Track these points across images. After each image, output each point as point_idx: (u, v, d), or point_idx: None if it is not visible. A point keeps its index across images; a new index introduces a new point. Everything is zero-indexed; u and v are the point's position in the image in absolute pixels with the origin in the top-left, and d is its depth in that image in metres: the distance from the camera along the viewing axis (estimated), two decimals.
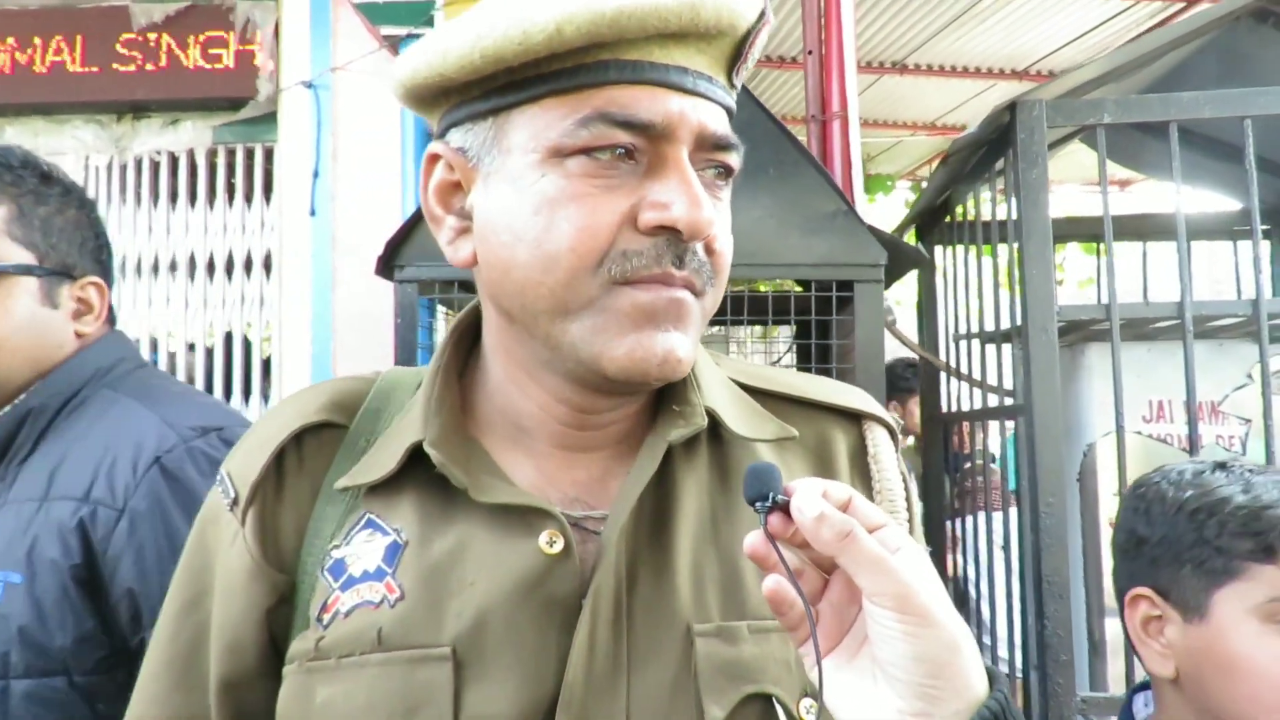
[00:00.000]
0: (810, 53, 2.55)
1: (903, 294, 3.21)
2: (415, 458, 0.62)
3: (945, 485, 2.44)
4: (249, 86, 3.22)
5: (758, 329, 3.14)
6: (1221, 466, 0.94)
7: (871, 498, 0.70)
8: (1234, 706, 0.83)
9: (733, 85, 0.62)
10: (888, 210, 6.92)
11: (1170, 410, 1.90)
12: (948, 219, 2.24)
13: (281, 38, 3.21)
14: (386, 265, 1.66)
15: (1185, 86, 2.05)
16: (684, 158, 0.58)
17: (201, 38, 3.21)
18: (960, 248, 2.16)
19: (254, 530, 0.64)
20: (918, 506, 0.75)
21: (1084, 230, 2.57)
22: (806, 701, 0.61)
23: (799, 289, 1.85)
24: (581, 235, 0.56)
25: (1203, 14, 1.78)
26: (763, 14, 0.60)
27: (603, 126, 0.56)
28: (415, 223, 1.66)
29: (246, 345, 3.37)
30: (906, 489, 0.72)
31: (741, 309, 1.75)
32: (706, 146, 0.59)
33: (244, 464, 0.66)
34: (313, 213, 3.20)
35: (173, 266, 3.38)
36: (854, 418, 0.72)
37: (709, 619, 0.60)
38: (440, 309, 1.94)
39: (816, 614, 0.51)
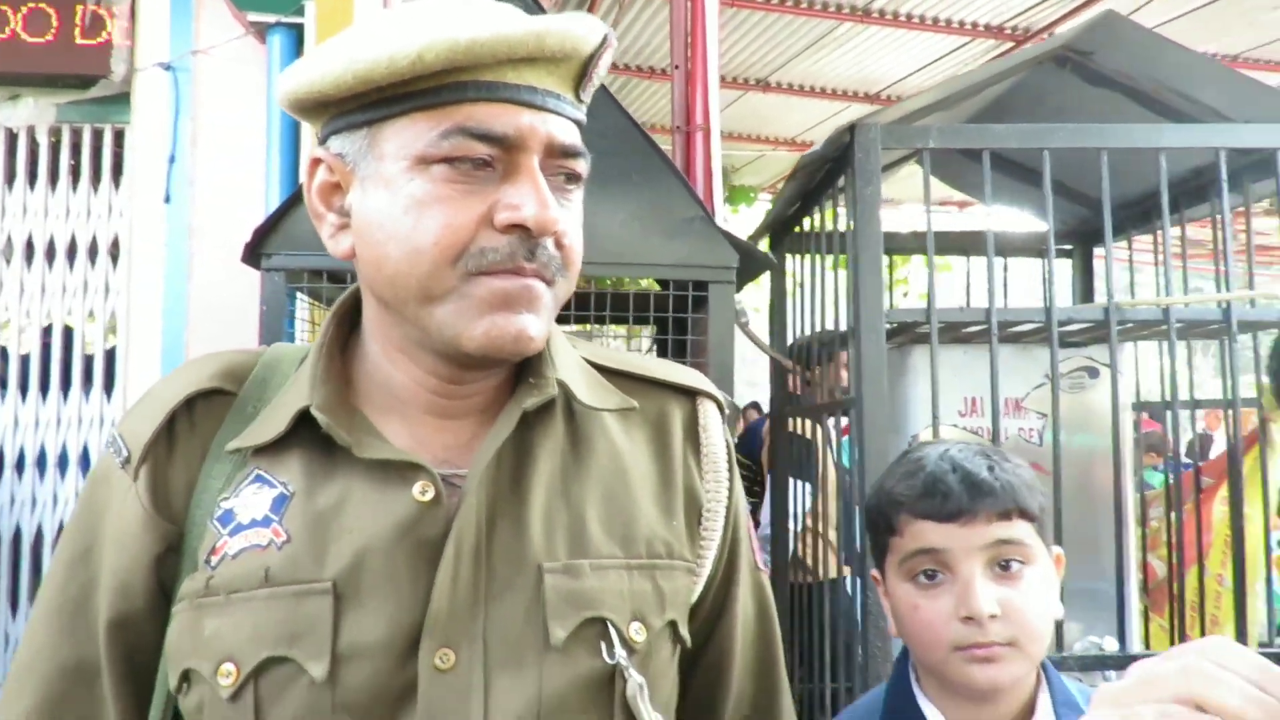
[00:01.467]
0: (677, 68, 2.70)
1: (758, 299, 3.40)
2: (301, 422, 0.69)
3: (790, 480, 2.62)
4: (100, 64, 3.08)
5: (623, 328, 3.26)
6: (909, 450, 1.09)
7: (701, 464, 0.81)
8: (918, 656, 1.01)
9: (580, 100, 0.72)
10: (751, 220, 7.23)
11: (982, 406, 2.14)
12: (797, 229, 2.43)
13: (139, 17, 3.09)
14: (253, 254, 1.67)
15: (1002, 118, 2.31)
16: (535, 165, 0.67)
17: (50, 11, 3.05)
18: (808, 256, 2.34)
19: (146, 485, 0.69)
20: (738, 476, 0.87)
21: (919, 245, 2.82)
22: (636, 625, 0.71)
23: (658, 288, 1.97)
24: (444, 233, 0.64)
25: (1015, 56, 2.02)
26: (605, 39, 0.69)
27: (462, 139, 0.64)
28: (283, 213, 1.67)
29: (70, 334, 3.21)
30: (729, 456, 0.84)
31: (605, 306, 1.86)
32: (556, 155, 0.68)
33: (137, 426, 0.71)
34: (167, 199, 3.09)
35: (7, 250, 3.19)
36: (689, 394, 0.83)
37: (557, 558, 0.70)
38: (303, 300, 1.95)
39: None
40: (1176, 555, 2.26)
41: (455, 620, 0.66)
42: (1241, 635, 1.85)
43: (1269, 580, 2.26)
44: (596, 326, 2.27)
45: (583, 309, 1.93)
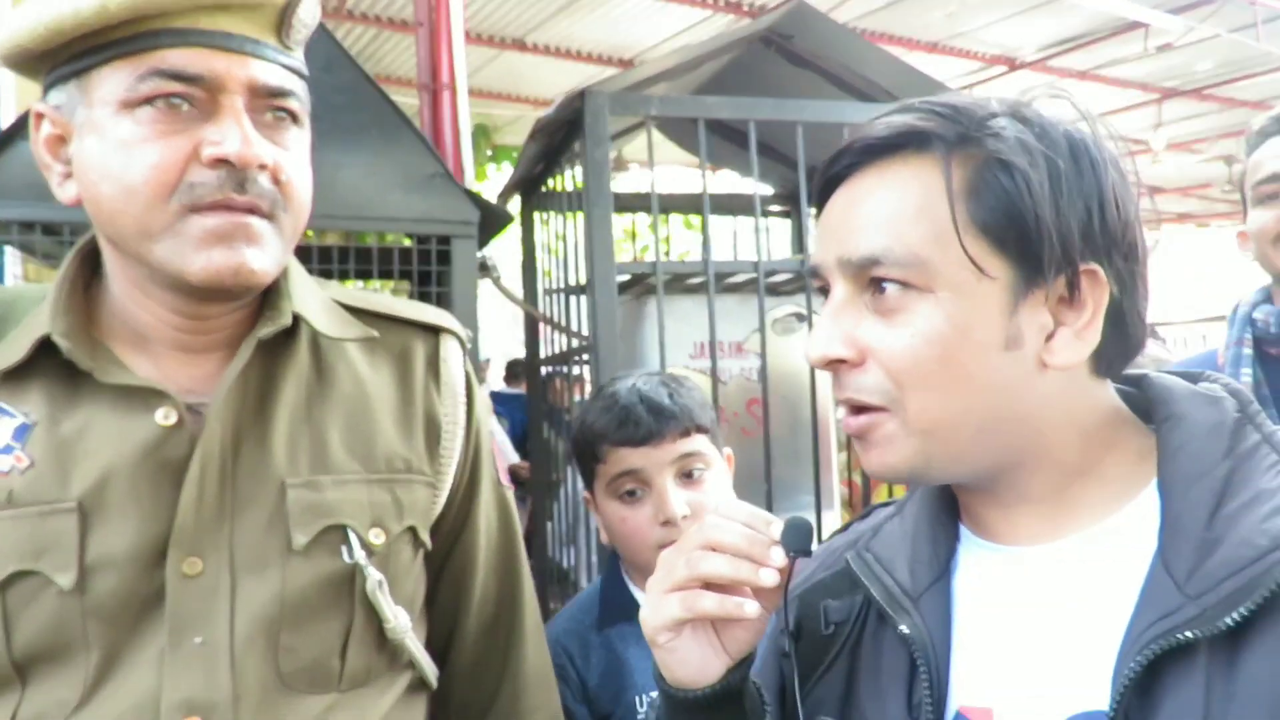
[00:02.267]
0: (421, 25, 2.71)
1: (508, 254, 3.51)
2: (43, 354, 0.73)
3: (545, 430, 2.77)
4: None
5: (382, 281, 3.24)
6: (600, 388, 1.26)
7: (440, 391, 0.90)
8: (628, 557, 1.21)
9: (286, 46, 0.77)
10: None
11: (708, 349, 2.39)
12: (544, 188, 2.55)
13: None
14: None
15: (723, 90, 2.55)
16: (238, 105, 0.72)
17: None
18: (553, 214, 2.48)
19: None
20: (481, 403, 0.96)
21: (670, 205, 3.05)
22: (375, 530, 0.80)
23: (408, 242, 2.02)
24: (154, 171, 0.70)
25: (729, 34, 2.25)
26: None
27: (158, 80, 0.70)
28: None
29: None
30: (469, 385, 0.93)
31: (361, 260, 1.89)
32: (262, 95, 0.74)
33: None
34: None
35: None
36: (433, 331, 0.92)
37: (299, 475, 0.78)
38: (11, 254, 1.82)
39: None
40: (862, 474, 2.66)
41: (202, 531, 0.73)
42: None
43: None
44: (355, 280, 2.28)
45: (344, 262, 1.95)
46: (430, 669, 0.88)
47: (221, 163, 0.71)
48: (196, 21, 0.70)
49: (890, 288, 0.61)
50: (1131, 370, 0.68)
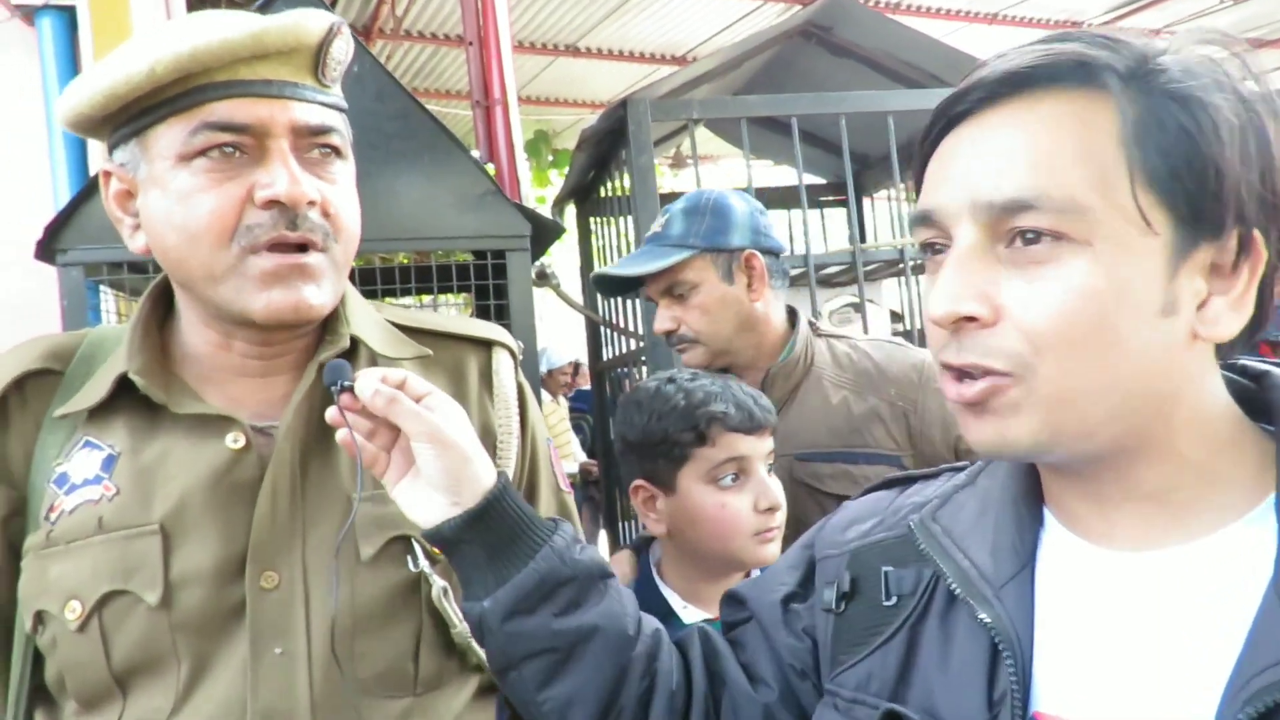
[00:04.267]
0: (471, 44, 2.79)
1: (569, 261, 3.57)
2: (124, 389, 0.80)
3: (611, 430, 2.82)
4: None
5: (451, 296, 3.35)
6: (671, 380, 1.24)
7: (494, 402, 0.95)
8: (703, 545, 1.20)
9: (324, 84, 0.82)
10: None
11: None
12: (596, 195, 2.61)
13: None
14: (46, 249, 1.68)
15: (767, 86, 2.56)
16: (284, 147, 0.78)
17: None
18: (607, 219, 2.54)
19: None
20: (535, 410, 1.01)
21: None
22: (422, 530, 0.85)
23: (464, 258, 2.10)
24: (212, 217, 0.76)
25: (768, 30, 2.27)
26: (331, 28, 0.80)
27: (208, 133, 0.76)
28: (76, 206, 1.69)
29: None
30: (521, 394, 0.97)
31: (412, 279, 1.98)
32: (305, 135, 0.79)
33: None
34: None
35: None
36: (484, 345, 0.97)
37: (365, 489, 0.82)
38: (106, 292, 1.96)
39: (389, 459, 0.77)
40: None
41: (276, 546, 0.79)
42: None
43: None
44: (421, 298, 2.38)
45: (408, 282, 2.04)
46: None
47: (274, 203, 0.77)
48: (238, 73, 0.76)
49: (1039, 238, 0.53)
50: (1243, 361, 0.60)
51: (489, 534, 0.74)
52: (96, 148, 2.78)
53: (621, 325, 2.48)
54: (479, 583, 0.74)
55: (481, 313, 2.58)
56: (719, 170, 8.01)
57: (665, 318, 1.45)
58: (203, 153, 0.76)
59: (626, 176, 2.20)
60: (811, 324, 1.52)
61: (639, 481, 1.23)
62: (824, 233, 3.10)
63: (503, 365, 0.97)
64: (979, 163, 0.55)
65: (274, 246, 0.77)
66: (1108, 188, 0.52)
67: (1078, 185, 0.52)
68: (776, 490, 1.19)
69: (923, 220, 0.59)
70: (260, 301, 0.78)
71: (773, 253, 1.47)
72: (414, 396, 0.75)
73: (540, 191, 5.92)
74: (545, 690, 0.73)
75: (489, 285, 1.96)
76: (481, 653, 0.89)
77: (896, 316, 2.60)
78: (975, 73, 0.57)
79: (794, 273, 2.29)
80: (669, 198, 2.94)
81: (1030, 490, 0.64)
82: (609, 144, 2.29)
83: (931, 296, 0.56)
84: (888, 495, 0.76)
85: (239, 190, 0.77)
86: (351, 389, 0.74)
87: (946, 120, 0.58)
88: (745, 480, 1.18)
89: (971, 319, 0.55)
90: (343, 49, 0.82)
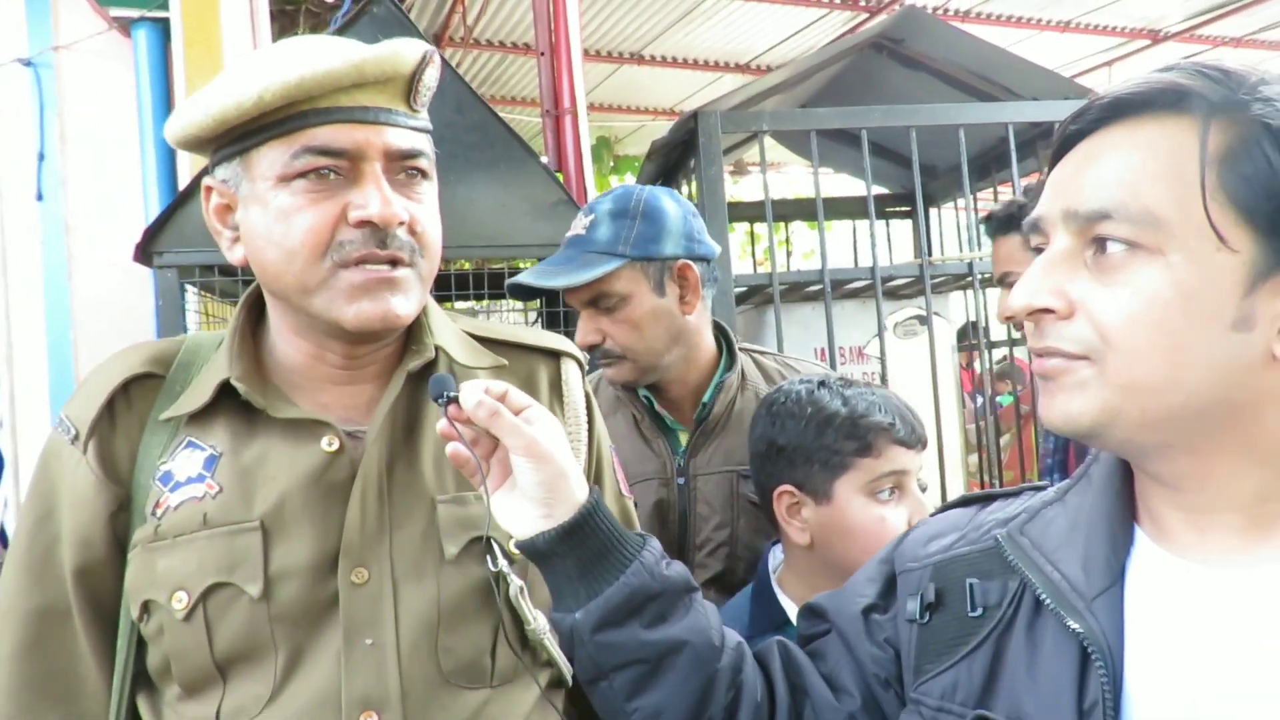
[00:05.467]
0: (543, 54, 2.85)
1: None
2: (224, 394, 0.85)
3: None
4: None
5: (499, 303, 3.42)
6: (823, 384, 1.20)
7: (564, 411, 0.99)
8: (850, 557, 1.14)
9: (414, 110, 0.87)
10: None
11: (830, 355, 2.41)
12: None
13: None
14: (145, 252, 1.77)
15: (837, 98, 2.57)
16: (377, 170, 0.82)
17: None
18: None
19: (95, 456, 0.84)
20: (600, 419, 1.05)
21: (789, 211, 3.08)
22: (515, 540, 0.89)
23: (531, 264, 2.15)
24: (309, 234, 0.81)
25: (839, 44, 2.27)
26: (425, 57, 0.85)
27: (309, 156, 0.80)
28: (172, 211, 1.78)
29: None
30: (588, 403, 1.02)
31: (499, 285, 2.04)
32: (396, 159, 0.84)
33: (81, 408, 0.86)
34: (40, 197, 3.07)
35: None
36: (554, 355, 1.01)
37: (447, 492, 0.88)
38: (192, 293, 2.05)
39: (489, 465, 0.81)
40: (994, 473, 2.61)
41: (366, 544, 0.83)
42: None
43: None
44: (492, 302, 2.44)
45: (479, 287, 2.10)
46: (566, 667, 0.96)
47: (366, 223, 0.82)
48: (338, 100, 0.81)
49: (1114, 246, 0.58)
50: None
51: (581, 548, 0.76)
52: (185, 157, 2.90)
53: None
54: (571, 595, 0.77)
55: (550, 319, 2.64)
56: (781, 178, 7.99)
57: (589, 330, 1.34)
58: (302, 174, 0.80)
59: (692, 186, 2.23)
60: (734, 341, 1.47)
61: (786, 487, 1.19)
62: (889, 243, 3.09)
63: (572, 376, 1.00)
64: (1079, 178, 0.61)
65: (363, 261, 0.82)
66: (1186, 205, 0.56)
67: (1156, 200, 0.57)
68: (928, 508, 1.15)
69: (1034, 227, 0.64)
70: (351, 311, 0.82)
71: (705, 259, 1.38)
72: (514, 409, 0.78)
73: None
74: (634, 700, 0.76)
75: (559, 292, 2.01)
76: (553, 649, 0.93)
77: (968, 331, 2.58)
78: (1092, 99, 0.63)
79: (860, 285, 2.30)
80: (730, 206, 2.99)
81: (1123, 509, 0.66)
82: (678, 154, 2.32)
83: (1014, 290, 0.62)
84: (966, 512, 0.78)
85: (334, 209, 0.81)
86: (456, 400, 0.78)
87: (1063, 140, 0.64)
88: (901, 495, 1.16)
89: (1048, 311, 0.60)
90: (433, 76, 0.87)
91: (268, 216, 0.82)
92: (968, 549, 0.73)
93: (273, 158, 0.81)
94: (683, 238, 1.34)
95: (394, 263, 0.83)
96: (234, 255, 0.87)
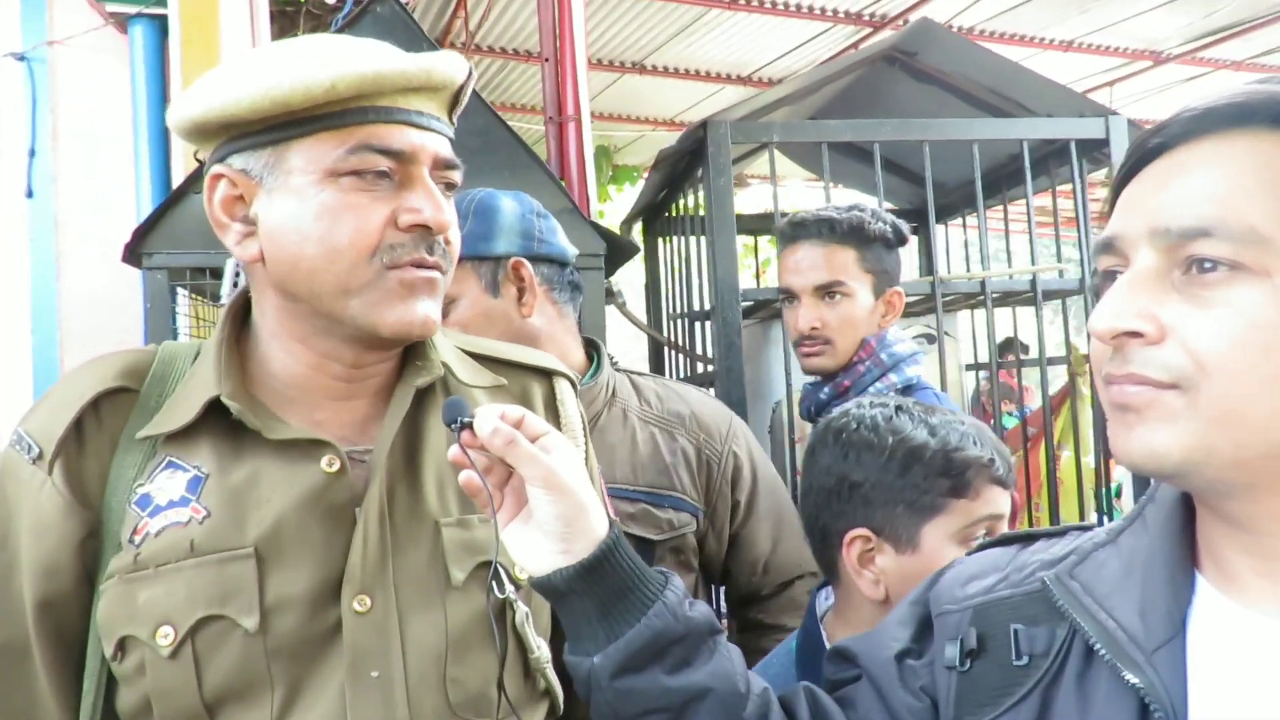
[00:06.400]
0: (547, 60, 2.80)
1: (633, 279, 3.56)
2: (208, 410, 0.79)
3: None
4: None
5: None
6: (901, 410, 1.04)
7: (560, 429, 0.94)
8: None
9: (452, 122, 0.85)
10: (634, 199, 7.35)
11: None
12: (666, 214, 2.59)
13: None
14: (133, 253, 1.71)
15: (846, 110, 2.53)
16: (426, 176, 0.80)
17: None
18: (677, 239, 2.52)
19: (63, 477, 0.77)
20: (590, 441, 1.00)
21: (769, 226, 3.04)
22: (530, 577, 0.85)
23: None
24: (359, 234, 0.77)
25: (850, 56, 2.23)
26: (469, 73, 0.84)
27: (366, 154, 0.77)
28: (163, 212, 1.72)
29: None
30: (583, 424, 0.98)
31: None
32: (440, 167, 0.82)
33: (45, 424, 0.79)
34: (30, 193, 3.01)
35: None
36: (547, 374, 0.97)
37: (450, 514, 0.83)
38: (182, 295, 1.99)
39: (502, 496, 0.75)
40: None
41: (369, 571, 0.78)
42: None
43: (1082, 515, 2.59)
44: None
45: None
46: (560, 695, 0.92)
47: (418, 227, 0.79)
48: (396, 101, 0.78)
49: (1214, 266, 0.53)
50: None
51: (600, 587, 0.71)
52: (179, 155, 2.85)
53: (685, 346, 2.46)
54: (589, 637, 0.72)
55: None
56: (781, 191, 7.96)
57: None
58: (355, 172, 0.77)
59: (696, 196, 2.19)
60: (611, 359, 1.43)
61: (861, 531, 1.02)
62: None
63: (566, 394, 0.97)
64: (1164, 193, 0.57)
65: (415, 265, 0.80)
66: None
67: (1259, 217, 0.53)
68: None
69: (1105, 247, 0.59)
70: (393, 314, 0.79)
71: (552, 261, 1.34)
72: (530, 436, 0.73)
73: (600, 207, 5.94)
74: None
75: None
76: (552, 679, 0.88)
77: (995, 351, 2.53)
78: (1173, 112, 0.59)
79: None
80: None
81: (1183, 553, 0.61)
82: (685, 164, 2.27)
83: (1096, 311, 0.57)
84: (1007, 552, 0.73)
85: (386, 210, 0.78)
86: (471, 426, 0.72)
87: (1140, 156, 0.59)
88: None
89: (1136, 334, 0.55)
90: (469, 91, 0.86)
91: (304, 211, 0.77)
92: (1010, 591, 0.68)
93: (320, 151, 0.76)
94: (519, 236, 1.32)
95: (435, 270, 0.82)
96: (245, 251, 0.81)
